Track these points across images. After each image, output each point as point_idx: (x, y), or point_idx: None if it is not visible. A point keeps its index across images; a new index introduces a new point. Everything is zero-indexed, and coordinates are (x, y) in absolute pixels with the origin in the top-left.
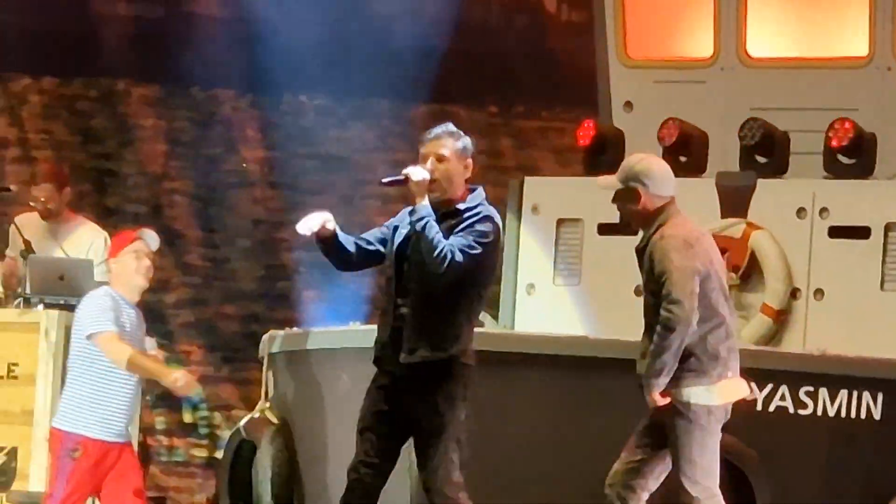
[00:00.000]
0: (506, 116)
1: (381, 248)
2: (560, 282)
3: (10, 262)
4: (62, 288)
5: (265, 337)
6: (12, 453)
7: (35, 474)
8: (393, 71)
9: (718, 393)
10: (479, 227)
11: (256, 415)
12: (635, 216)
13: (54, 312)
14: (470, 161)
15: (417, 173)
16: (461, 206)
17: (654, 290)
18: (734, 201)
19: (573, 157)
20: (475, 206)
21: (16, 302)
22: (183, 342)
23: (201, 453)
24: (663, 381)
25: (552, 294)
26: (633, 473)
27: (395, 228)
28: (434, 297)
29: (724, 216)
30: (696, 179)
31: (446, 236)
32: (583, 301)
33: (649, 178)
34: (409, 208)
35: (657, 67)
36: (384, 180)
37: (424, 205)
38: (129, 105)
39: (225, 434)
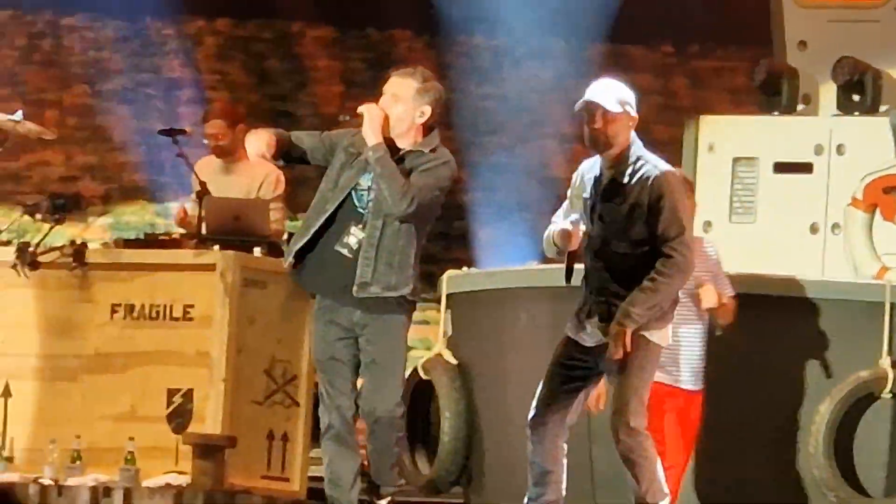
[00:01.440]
0: (680, 56)
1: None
2: (736, 219)
3: (183, 207)
4: (237, 229)
5: (443, 277)
6: (188, 395)
7: (211, 417)
8: (569, 10)
9: (668, 335)
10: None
11: (434, 356)
12: (620, 141)
13: (230, 253)
14: (428, 108)
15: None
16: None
17: (649, 223)
18: None
19: (748, 96)
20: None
21: (192, 243)
22: None
23: None
24: (643, 321)
25: (728, 231)
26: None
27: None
28: None
29: None
30: (869, 118)
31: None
32: (758, 238)
33: (633, 103)
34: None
35: (831, 7)
36: None
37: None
38: (304, 46)
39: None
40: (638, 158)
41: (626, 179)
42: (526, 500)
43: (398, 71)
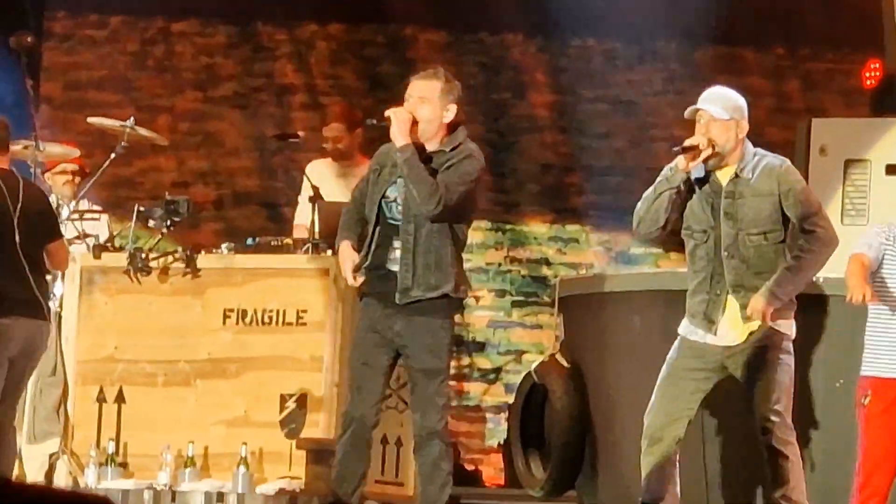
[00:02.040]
0: (792, 58)
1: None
2: (848, 221)
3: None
4: None
5: (556, 281)
6: (301, 400)
7: (324, 422)
8: (680, 13)
9: (794, 325)
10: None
11: (548, 359)
12: (730, 148)
13: None
14: (453, 106)
15: None
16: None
17: (783, 210)
18: None
19: (860, 98)
20: (458, 146)
21: (305, 248)
22: (473, 287)
23: (492, 398)
24: (786, 299)
25: (840, 233)
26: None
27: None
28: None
29: None
30: None
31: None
32: None
33: (744, 110)
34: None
35: None
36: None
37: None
38: (417, 50)
39: (517, 378)
40: (754, 154)
41: (748, 174)
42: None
43: (419, 74)
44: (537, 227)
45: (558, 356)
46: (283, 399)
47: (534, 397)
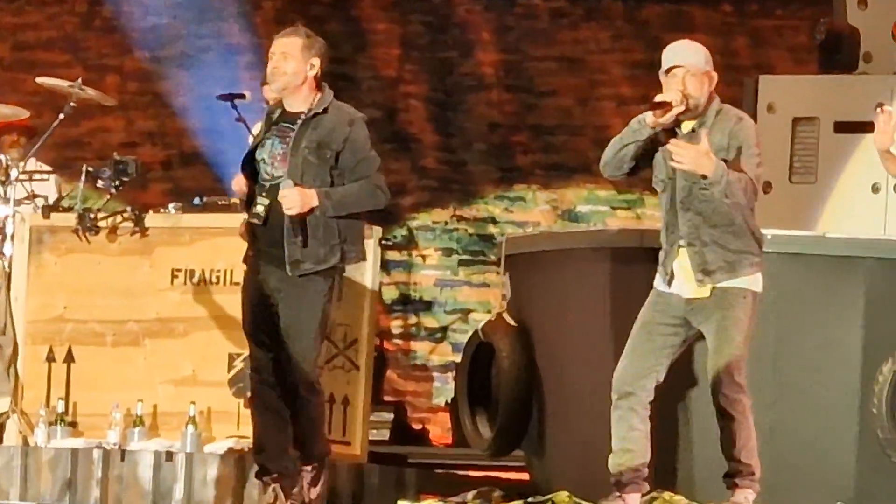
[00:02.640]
0: (740, 15)
1: None
2: (796, 180)
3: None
4: None
5: (503, 239)
6: (248, 360)
7: None
8: None
9: (760, 280)
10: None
11: (494, 317)
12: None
13: None
14: (317, 60)
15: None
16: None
17: (733, 163)
18: None
19: (808, 55)
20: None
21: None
22: (419, 246)
23: (439, 357)
24: (724, 183)
25: (788, 192)
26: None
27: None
28: None
29: None
30: None
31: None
32: (819, 199)
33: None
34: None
35: None
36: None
37: None
38: (363, 9)
39: (464, 337)
40: (718, 111)
41: (707, 129)
42: (611, 465)
43: (280, 33)
44: (484, 186)
45: (505, 315)
46: (231, 358)
47: (480, 356)
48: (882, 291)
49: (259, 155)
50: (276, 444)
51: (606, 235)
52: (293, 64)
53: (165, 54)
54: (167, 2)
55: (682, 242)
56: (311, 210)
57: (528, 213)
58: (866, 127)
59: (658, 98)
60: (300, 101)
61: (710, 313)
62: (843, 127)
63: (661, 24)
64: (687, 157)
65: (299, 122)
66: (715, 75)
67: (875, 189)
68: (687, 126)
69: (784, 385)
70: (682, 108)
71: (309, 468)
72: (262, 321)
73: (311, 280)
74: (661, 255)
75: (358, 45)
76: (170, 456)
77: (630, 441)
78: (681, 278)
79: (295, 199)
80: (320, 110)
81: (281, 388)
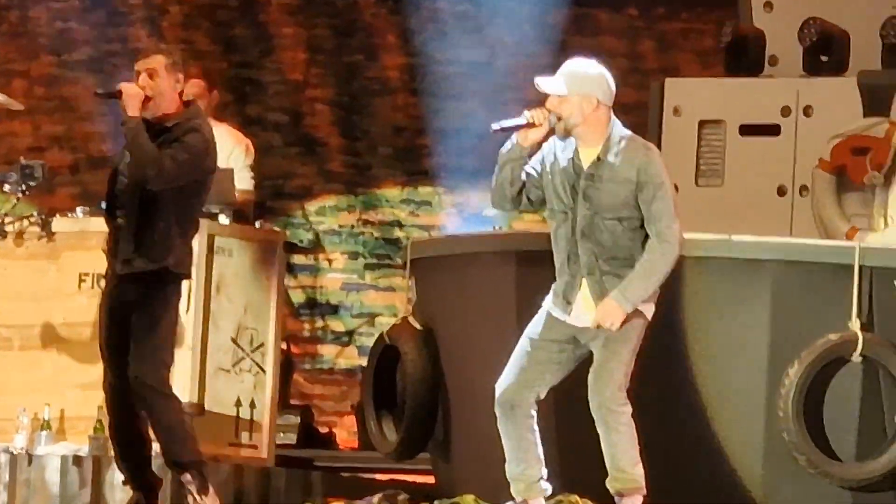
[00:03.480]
0: (646, 19)
1: None
2: (703, 182)
3: None
4: None
5: (408, 243)
6: None
7: (179, 385)
8: None
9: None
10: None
11: (400, 321)
12: (588, 126)
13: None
14: (181, 76)
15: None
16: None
17: (630, 203)
18: (877, 100)
19: (714, 58)
20: (188, 121)
21: None
22: (326, 249)
23: (346, 361)
24: (638, 304)
25: (695, 195)
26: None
27: None
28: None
29: (866, 115)
30: (837, 79)
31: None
32: (725, 202)
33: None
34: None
35: None
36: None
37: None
38: (270, 14)
39: (370, 341)
40: (620, 139)
41: (611, 158)
42: (508, 474)
43: (148, 50)
44: (389, 190)
45: (411, 318)
46: None
47: (386, 360)
48: (788, 294)
49: (120, 167)
50: (133, 456)
51: (512, 239)
52: (157, 82)
53: (72, 58)
54: (74, 6)
55: (583, 272)
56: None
57: (434, 216)
58: (772, 130)
59: (504, 123)
60: (168, 117)
61: (600, 331)
62: (748, 130)
63: (568, 27)
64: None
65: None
66: (594, 99)
67: (781, 192)
68: (590, 154)
69: (691, 388)
70: (545, 128)
71: (189, 477)
72: (115, 333)
73: (153, 286)
74: (560, 285)
75: (264, 49)
76: (77, 460)
77: (521, 451)
78: (580, 308)
79: None
80: (182, 122)
81: (133, 396)
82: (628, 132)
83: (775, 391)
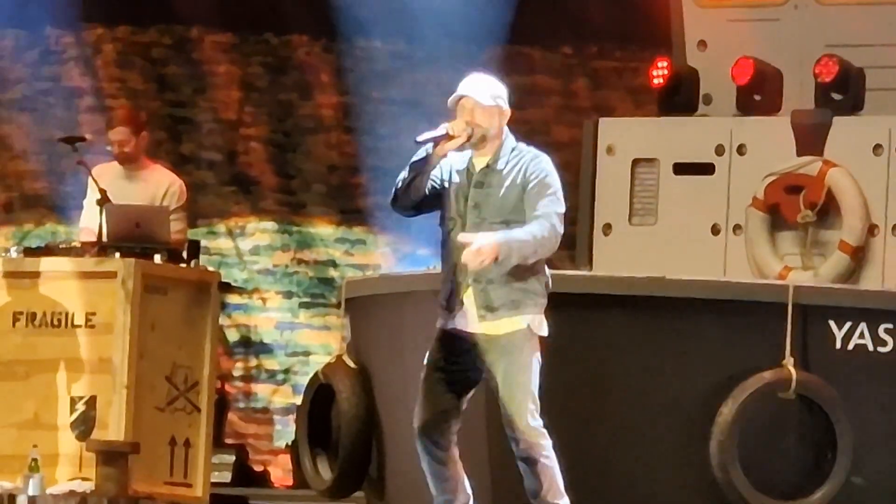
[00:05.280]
0: (580, 57)
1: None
2: (636, 221)
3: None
4: (138, 235)
5: (343, 282)
6: (91, 402)
7: (114, 423)
8: (467, 13)
9: (545, 324)
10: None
11: (334, 360)
12: (492, 134)
13: (131, 260)
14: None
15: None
16: None
17: (519, 209)
18: (810, 139)
19: (648, 97)
20: None
21: (93, 250)
22: (260, 288)
23: (280, 399)
24: (507, 252)
25: (628, 234)
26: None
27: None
28: None
29: (799, 154)
30: (771, 118)
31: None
32: (659, 240)
33: (505, 97)
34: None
35: (730, 6)
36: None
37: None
38: (203, 52)
39: (304, 380)
40: (513, 148)
41: (500, 166)
42: None
43: None
44: (324, 229)
45: (345, 357)
46: (74, 401)
47: (321, 398)
48: (722, 332)
49: None
50: None
51: (434, 278)
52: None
53: (6, 97)
54: (7, 45)
55: (469, 280)
56: None
57: (369, 255)
58: (706, 169)
59: (426, 135)
60: None
61: (497, 357)
62: (682, 168)
63: (502, 65)
64: (472, 257)
65: None
66: (507, 111)
67: (715, 230)
68: (481, 162)
69: (621, 426)
70: (463, 139)
71: None
72: None
73: None
74: (445, 292)
75: (198, 87)
76: (12, 499)
77: (444, 481)
78: (464, 314)
79: None
80: None
81: None
82: (521, 143)
83: (707, 430)
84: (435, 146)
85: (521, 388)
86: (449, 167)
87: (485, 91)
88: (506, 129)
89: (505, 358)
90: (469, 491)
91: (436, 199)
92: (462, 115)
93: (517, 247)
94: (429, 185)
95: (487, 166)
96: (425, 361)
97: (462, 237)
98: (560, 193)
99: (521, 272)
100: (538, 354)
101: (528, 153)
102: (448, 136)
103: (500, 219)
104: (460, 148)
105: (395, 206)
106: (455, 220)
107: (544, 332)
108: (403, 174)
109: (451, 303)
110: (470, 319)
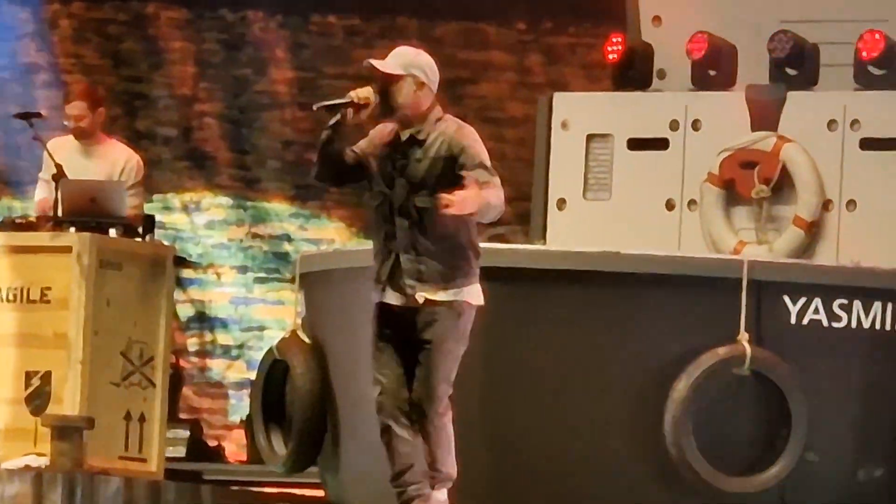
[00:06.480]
0: (534, 32)
1: None
2: (591, 196)
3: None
4: (94, 210)
5: (298, 257)
6: (46, 378)
7: (69, 398)
8: None
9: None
10: None
11: (289, 335)
12: (413, 107)
13: (86, 235)
14: None
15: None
16: None
17: (446, 178)
18: (764, 115)
19: (603, 72)
20: None
21: (48, 225)
22: (215, 263)
23: (235, 374)
24: (485, 215)
25: (583, 209)
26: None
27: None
28: None
29: (754, 129)
30: (725, 93)
31: None
32: (613, 216)
33: (428, 69)
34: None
35: None
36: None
37: None
38: (159, 28)
39: (259, 355)
40: (437, 120)
41: (422, 136)
42: (392, 482)
43: None
44: (279, 204)
45: (300, 332)
46: (28, 376)
47: (275, 373)
48: (676, 308)
49: None
50: None
51: None
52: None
53: None
54: None
55: (399, 249)
56: None
57: (323, 230)
58: (661, 144)
59: (329, 102)
60: None
61: (426, 329)
62: (637, 144)
63: (455, 41)
64: (458, 204)
65: None
66: (429, 83)
67: (669, 205)
68: (405, 134)
69: (574, 402)
70: (370, 107)
71: None
72: None
73: None
74: (378, 264)
75: (154, 63)
76: None
77: (403, 455)
78: (397, 286)
79: None
80: None
81: None
82: (448, 115)
83: (662, 406)
84: (343, 116)
85: (450, 358)
86: (371, 139)
87: (395, 61)
88: (436, 104)
89: (435, 328)
90: (424, 464)
91: (360, 171)
92: (371, 83)
93: (489, 207)
94: (351, 157)
95: (411, 137)
96: (371, 338)
97: (443, 197)
98: (487, 161)
99: (453, 243)
100: (469, 326)
101: (452, 123)
102: (354, 104)
103: (426, 191)
104: (379, 119)
105: (318, 178)
106: (385, 194)
107: (480, 300)
108: (320, 144)
109: (382, 275)
110: (402, 291)
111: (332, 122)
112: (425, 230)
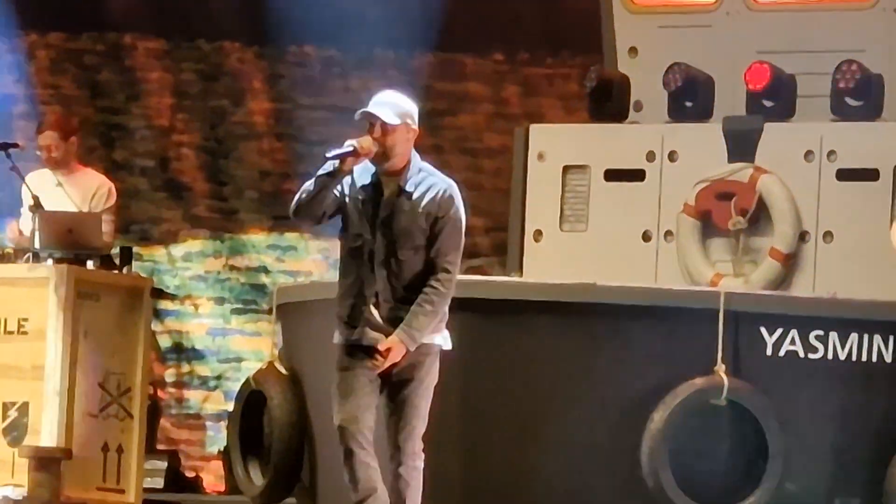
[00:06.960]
0: (512, 63)
1: None
2: (567, 228)
3: (17, 224)
4: (71, 242)
5: (275, 288)
6: (23, 409)
7: (46, 429)
8: (398, 20)
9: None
10: None
11: (266, 366)
12: (398, 153)
13: (63, 266)
14: None
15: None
16: None
17: (427, 240)
18: (741, 146)
19: (579, 103)
20: None
21: (25, 257)
22: (192, 294)
23: (212, 405)
24: (420, 339)
25: (559, 240)
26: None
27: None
28: None
29: (731, 161)
30: (702, 124)
31: None
32: (590, 247)
33: (415, 115)
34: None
35: (662, 12)
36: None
37: None
38: (136, 59)
39: (236, 386)
40: (420, 170)
41: (409, 188)
42: None
43: None
44: (256, 235)
45: (276, 363)
46: (6, 407)
47: (252, 404)
48: (653, 339)
49: None
50: None
51: None
52: None
53: None
54: None
55: (379, 299)
56: None
57: (300, 262)
58: (637, 175)
59: (335, 151)
60: None
61: (409, 370)
62: (613, 175)
63: (432, 72)
64: (388, 361)
65: None
66: (415, 129)
67: (646, 237)
68: (390, 183)
69: (552, 433)
70: (370, 155)
71: None
72: None
73: None
74: (346, 308)
75: (131, 94)
76: None
77: (366, 480)
78: (370, 333)
79: None
80: None
81: None
82: (426, 164)
83: (638, 437)
84: (342, 162)
85: (418, 413)
86: (352, 181)
87: (391, 110)
88: (412, 149)
89: (420, 369)
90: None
91: (336, 210)
92: (369, 132)
93: (426, 326)
94: (333, 199)
95: (399, 188)
96: (335, 369)
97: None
98: (460, 233)
99: None
100: (436, 368)
101: (440, 182)
102: (355, 153)
103: (409, 244)
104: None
105: (297, 217)
106: (365, 240)
107: (448, 345)
108: (308, 186)
109: (354, 318)
110: (372, 338)
111: (330, 169)
112: (404, 281)
